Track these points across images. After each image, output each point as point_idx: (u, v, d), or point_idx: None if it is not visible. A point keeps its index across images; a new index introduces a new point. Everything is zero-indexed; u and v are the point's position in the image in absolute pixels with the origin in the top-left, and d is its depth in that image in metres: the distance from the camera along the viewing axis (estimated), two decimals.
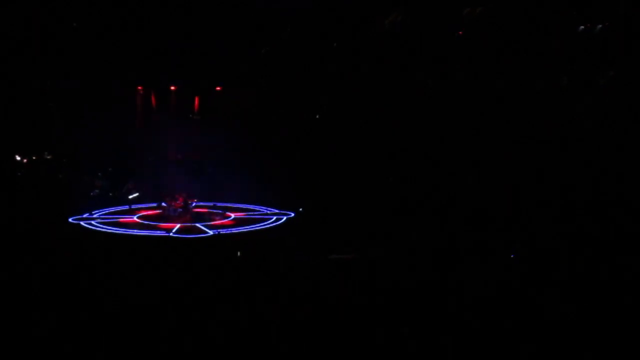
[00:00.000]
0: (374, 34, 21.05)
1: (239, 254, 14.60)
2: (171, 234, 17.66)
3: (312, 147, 23.81)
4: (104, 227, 18.46)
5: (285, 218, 20.08)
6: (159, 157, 25.04)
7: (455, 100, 19.89)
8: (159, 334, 9.19)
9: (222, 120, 25.10)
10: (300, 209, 20.93)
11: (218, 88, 25.76)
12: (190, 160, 25.50)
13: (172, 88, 25.52)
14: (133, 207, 21.71)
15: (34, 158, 23.46)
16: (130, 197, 22.44)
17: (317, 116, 24.23)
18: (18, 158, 23.21)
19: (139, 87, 25.48)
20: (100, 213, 20.93)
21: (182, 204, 20.59)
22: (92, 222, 19.14)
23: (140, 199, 23.12)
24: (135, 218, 20.26)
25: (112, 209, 21.73)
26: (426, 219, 17.25)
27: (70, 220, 19.36)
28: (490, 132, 19.02)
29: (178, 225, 18.75)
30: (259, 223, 19.25)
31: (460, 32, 19.80)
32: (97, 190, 23.96)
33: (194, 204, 21.25)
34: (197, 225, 18.83)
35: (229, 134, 24.44)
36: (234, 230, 18.17)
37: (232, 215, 20.71)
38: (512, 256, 13.44)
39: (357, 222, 17.88)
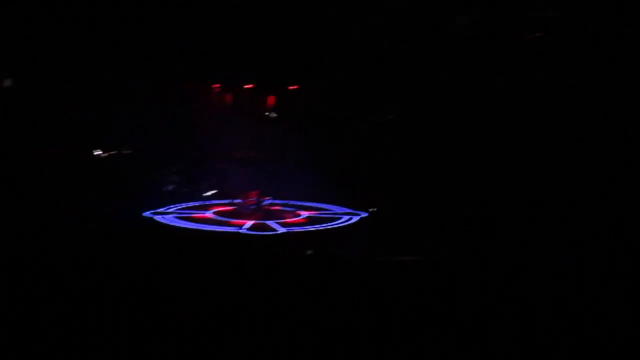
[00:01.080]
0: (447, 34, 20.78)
1: (308, 252, 14.23)
2: (242, 230, 17.48)
3: (386, 148, 23.24)
4: (178, 221, 18.47)
5: (356, 218, 19.61)
6: (230, 156, 25.30)
7: (530, 103, 19.43)
8: (229, 329, 9.09)
9: (295, 119, 24.91)
10: (372, 209, 20.39)
11: (292, 87, 25.83)
12: (260, 158, 25.50)
13: (247, 86, 26.10)
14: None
15: (112, 153, 23.96)
16: (206, 194, 22.36)
17: (392, 117, 24.12)
18: (96, 153, 23.67)
19: (215, 85, 25.98)
20: (175, 208, 20.97)
21: (254, 201, 20.56)
22: (166, 217, 19.12)
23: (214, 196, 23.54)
24: (208, 214, 20.09)
25: (187, 204, 21.72)
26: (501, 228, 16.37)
27: (144, 214, 19.43)
28: (577, 136, 18.36)
29: (250, 222, 18.59)
30: (330, 222, 18.85)
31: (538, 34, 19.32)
32: (170, 187, 24.49)
33: (266, 202, 21.19)
34: (268, 222, 18.61)
35: (301, 132, 24.35)
36: (305, 229, 17.83)
37: (304, 214, 20.47)
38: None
39: (430, 225, 17.42)
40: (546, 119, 19.20)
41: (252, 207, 20.38)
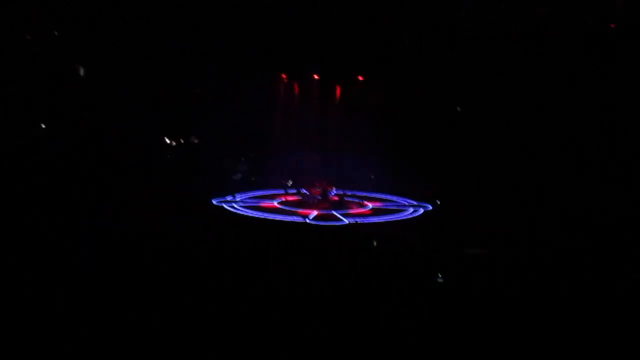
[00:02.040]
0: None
1: (375, 243, 14.40)
2: (308, 220, 17.64)
3: (453, 141, 23.27)
4: (245, 210, 18.71)
5: (422, 210, 19.63)
6: (298, 146, 24.97)
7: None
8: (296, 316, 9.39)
9: (362, 110, 24.72)
10: (438, 202, 20.30)
11: (360, 78, 25.21)
12: (326, 150, 25.36)
13: (315, 77, 25.36)
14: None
15: (181, 141, 24.12)
16: (289, 183, 22.36)
17: (459, 109, 23.94)
18: (167, 141, 24.06)
19: (283, 75, 25.46)
20: (243, 197, 21.04)
21: (320, 191, 20.62)
22: (234, 205, 19.34)
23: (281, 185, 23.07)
24: (275, 203, 20.26)
25: (255, 194, 21.81)
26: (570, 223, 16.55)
27: (214, 202, 19.67)
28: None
29: (315, 212, 18.67)
30: (395, 214, 18.95)
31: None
32: (238, 175, 24.19)
33: (332, 192, 21.14)
34: (334, 212, 18.66)
35: (368, 124, 24.12)
36: (371, 220, 17.93)
37: (369, 205, 20.44)
38: None
39: (495, 219, 17.32)
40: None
41: (318, 197, 20.45)
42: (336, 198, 21.02)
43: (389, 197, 21.86)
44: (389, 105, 24.62)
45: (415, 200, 20.92)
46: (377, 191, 22.47)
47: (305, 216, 18.07)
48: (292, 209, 19.23)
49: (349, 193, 21.78)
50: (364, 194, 22.07)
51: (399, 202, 21.06)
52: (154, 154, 22.37)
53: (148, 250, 12.96)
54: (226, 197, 20.46)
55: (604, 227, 15.71)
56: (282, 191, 22.06)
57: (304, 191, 21.16)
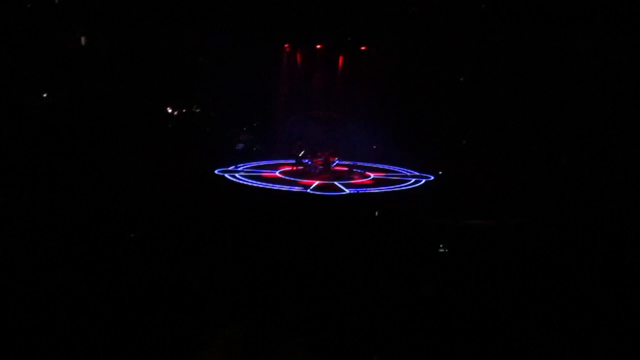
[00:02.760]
0: None
1: (376, 213, 14.03)
2: (309, 190, 17.55)
3: (459, 110, 23.29)
4: (247, 180, 18.66)
5: (423, 180, 19.54)
6: (301, 115, 24.93)
7: None
8: (297, 288, 9.11)
9: (366, 80, 24.86)
10: (440, 172, 20.26)
11: (363, 48, 25.22)
12: (330, 118, 25.23)
13: (318, 47, 25.29)
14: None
15: (184, 111, 24.40)
16: (300, 154, 21.53)
17: (462, 79, 24.03)
18: (169, 110, 24.25)
19: (286, 45, 25.48)
20: (245, 167, 21.13)
21: (322, 161, 20.56)
22: (236, 175, 19.32)
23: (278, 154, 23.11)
24: (277, 173, 20.28)
25: (258, 163, 21.89)
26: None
27: (216, 172, 19.70)
28: None
29: (317, 182, 18.62)
30: (397, 184, 18.79)
31: None
32: (241, 145, 24.38)
33: (335, 163, 21.16)
34: (336, 183, 18.66)
35: (372, 94, 24.33)
36: (373, 190, 17.85)
37: (371, 175, 20.47)
38: None
39: (499, 191, 17.24)
40: None
41: (320, 167, 20.44)
42: (340, 168, 20.94)
43: (392, 168, 21.83)
44: (395, 76, 24.28)
45: (418, 171, 20.90)
46: (381, 162, 22.49)
47: (307, 186, 17.99)
48: (294, 179, 19.23)
49: (358, 164, 21.75)
50: (367, 165, 22.03)
51: (402, 173, 21.04)
52: (156, 123, 22.92)
53: (148, 220, 12.79)
54: (228, 167, 20.49)
55: (611, 202, 15.52)
56: (285, 161, 21.95)
57: (307, 161, 21.12)
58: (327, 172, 20.20)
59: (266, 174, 20.02)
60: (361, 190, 17.73)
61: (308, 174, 20.31)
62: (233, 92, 23.26)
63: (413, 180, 19.56)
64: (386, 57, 24.48)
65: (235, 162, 21.43)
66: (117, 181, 16.40)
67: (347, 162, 21.60)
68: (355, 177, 19.98)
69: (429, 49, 23.38)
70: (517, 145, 21.42)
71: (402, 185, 18.78)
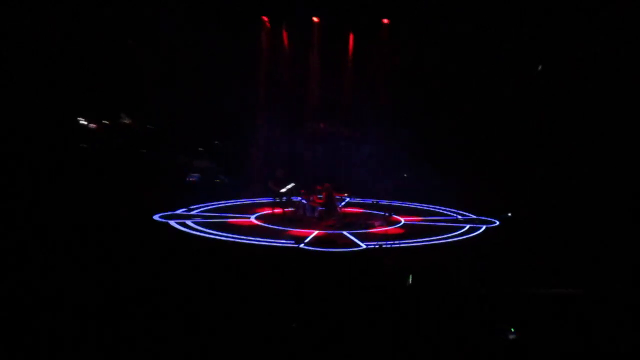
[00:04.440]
0: None
1: (409, 281, 13.06)
2: (303, 245, 16.75)
3: (538, 119, 24.15)
4: (204, 231, 18.08)
5: (483, 227, 19.43)
6: (287, 128, 25.83)
7: None
8: None
9: (386, 75, 25.67)
10: (509, 214, 20.53)
11: (386, 21, 25.30)
12: (337, 134, 26.19)
13: (315, 20, 25.40)
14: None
15: (106, 123, 24.31)
16: (284, 189, 21.76)
17: (539, 68, 24.64)
18: (84, 122, 24.02)
19: (264, 18, 25.44)
20: (200, 209, 21.14)
21: (324, 199, 20.43)
22: (188, 223, 18.96)
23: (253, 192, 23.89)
24: (251, 218, 20.11)
25: (221, 204, 22.28)
26: None
27: (156, 217, 19.39)
28: None
29: (315, 232, 18.16)
30: (443, 234, 18.34)
31: None
32: (196, 175, 24.30)
33: (343, 202, 21.46)
34: (345, 233, 18.19)
35: (395, 95, 25.13)
36: (403, 244, 17.11)
37: (402, 220, 20.30)
38: None
39: (584, 243, 17.16)
40: None
41: (321, 209, 20.34)
42: (350, 210, 21.43)
43: (433, 208, 22.49)
44: (432, 67, 24.78)
45: (472, 213, 21.44)
46: (414, 200, 23.13)
47: (299, 239, 17.21)
48: (279, 228, 18.81)
49: (369, 202, 22.24)
50: (391, 203, 22.81)
51: (451, 216, 21.40)
52: (61, 143, 22.47)
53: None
54: (175, 211, 20.44)
55: None
56: (264, 199, 22.22)
57: (300, 200, 20.99)
58: (331, 217, 19.89)
59: (235, 220, 19.76)
60: (388, 244, 16.88)
61: (301, 219, 20.15)
62: (184, 93, 23.25)
63: (467, 227, 19.31)
64: (420, 38, 24.47)
65: (188, 203, 21.03)
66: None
67: (362, 201, 21.46)
68: (376, 223, 19.67)
69: (487, 25, 23.79)
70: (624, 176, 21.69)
71: (450, 235, 18.34)
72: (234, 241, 17.24)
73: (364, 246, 16.97)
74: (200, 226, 18.67)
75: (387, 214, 20.87)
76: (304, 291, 12.95)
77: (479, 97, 24.99)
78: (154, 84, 23.51)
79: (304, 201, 20.99)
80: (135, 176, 22.77)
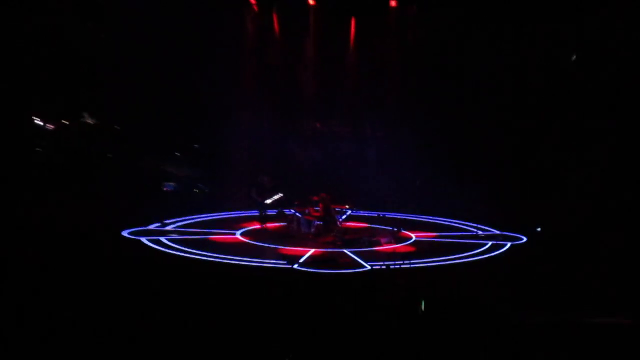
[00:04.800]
0: None
1: (422, 307, 13.25)
2: (296, 265, 16.77)
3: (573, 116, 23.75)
4: (181, 249, 18.05)
5: (508, 245, 19.29)
6: (277, 127, 26.11)
7: None
8: None
9: (394, 65, 25.70)
10: (538, 229, 20.61)
11: (393, 3, 25.22)
12: (337, 135, 26.31)
13: (311, 2, 25.71)
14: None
15: (65, 123, 24.22)
16: (269, 200, 21.83)
17: (573, 58, 24.58)
18: (39, 123, 23.78)
19: (251, 1, 25.63)
20: (177, 224, 21.31)
21: (321, 212, 20.50)
22: (162, 240, 18.93)
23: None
24: (237, 235, 20.19)
25: (201, 218, 22.46)
26: None
27: (125, 234, 19.36)
28: None
29: (311, 251, 18.12)
30: (460, 253, 18.25)
31: None
32: (171, 185, 24.46)
33: (344, 215, 21.75)
34: (347, 252, 18.16)
35: (404, 88, 25.34)
36: (414, 264, 16.91)
37: (412, 237, 20.31)
38: None
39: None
40: None
41: (317, 223, 20.40)
42: (353, 224, 21.67)
43: (448, 222, 22.94)
44: (449, 57, 24.90)
45: (494, 227, 21.54)
46: (427, 213, 23.50)
47: (292, 259, 17.15)
48: (268, 246, 18.87)
49: (377, 215, 22.25)
50: (402, 217, 22.90)
51: (470, 232, 21.57)
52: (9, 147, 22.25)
53: None
54: (150, 226, 20.60)
55: None
56: (252, 212, 22.32)
57: (293, 213, 21.09)
58: (330, 233, 19.96)
59: (217, 237, 19.77)
60: (395, 265, 16.69)
61: (295, 236, 20.21)
62: (156, 88, 23.19)
63: (489, 243, 19.24)
64: (435, 23, 24.57)
65: (161, 217, 21.15)
66: None
67: (366, 214, 21.88)
68: (383, 240, 19.68)
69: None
70: None
71: (470, 253, 18.22)
72: (215, 261, 17.13)
73: (369, 267, 16.84)
74: (177, 244, 18.55)
75: (395, 229, 20.77)
76: (297, 321, 12.84)
77: (506, 90, 25.02)
78: (121, 77, 23.50)
79: (298, 214, 20.89)
80: (99, 185, 22.80)
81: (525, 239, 20.01)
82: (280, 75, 26.12)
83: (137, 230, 19.81)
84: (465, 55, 24.90)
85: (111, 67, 23.62)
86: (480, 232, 21.18)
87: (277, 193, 21.83)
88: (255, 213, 21.73)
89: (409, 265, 16.84)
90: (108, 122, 24.84)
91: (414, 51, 25.38)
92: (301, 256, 17.66)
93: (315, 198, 20.86)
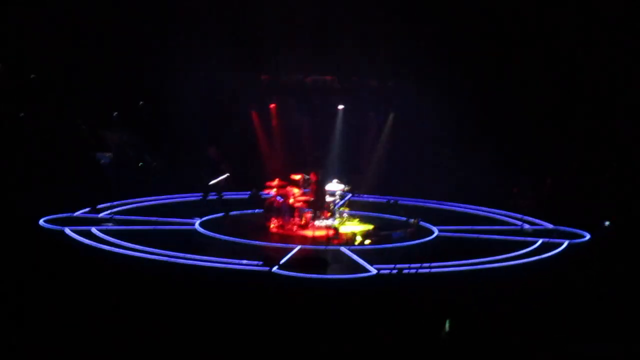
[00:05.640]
0: None
1: (446, 327, 13.39)
2: (276, 268, 17.07)
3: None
4: (118, 244, 18.24)
5: (565, 243, 19.77)
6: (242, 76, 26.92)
7: None
8: None
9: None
10: (606, 224, 20.93)
11: None
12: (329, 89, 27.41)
13: None
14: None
15: None
16: (214, 181, 22.54)
17: None
18: None
19: None
20: (114, 210, 21.64)
21: (312, 195, 21.23)
22: (94, 230, 19.35)
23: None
24: (197, 224, 20.72)
25: (148, 201, 23.06)
26: None
27: (42, 223, 19.70)
28: None
29: (297, 247, 18.68)
30: (499, 254, 18.47)
31: None
32: (108, 155, 24.81)
33: (342, 200, 22.34)
34: (344, 249, 18.71)
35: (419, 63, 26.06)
36: (435, 268, 17.43)
37: (435, 231, 21.02)
38: None
39: None
40: None
41: (307, 210, 21.01)
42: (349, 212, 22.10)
43: (483, 211, 23.81)
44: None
45: (547, 220, 22.18)
46: (451, 199, 24.66)
47: (270, 259, 17.29)
48: (239, 241, 19.31)
49: (384, 200, 23.09)
50: (421, 204, 23.99)
51: (516, 225, 22.04)
52: None
53: None
54: (77, 212, 21.08)
55: None
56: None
57: (267, 195, 21.93)
58: (317, 222, 20.80)
59: (169, 226, 20.33)
60: (409, 270, 17.16)
61: (276, 224, 20.90)
62: (87, 44, 24.56)
63: (539, 242, 19.70)
64: None
65: (94, 200, 21.63)
66: None
67: (373, 199, 22.92)
68: (403, 234, 20.43)
69: None
70: None
71: (511, 255, 18.55)
72: (166, 261, 17.33)
73: (375, 271, 17.08)
74: (113, 237, 18.77)
75: (412, 220, 21.21)
76: (276, 343, 13.04)
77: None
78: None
79: (279, 198, 21.26)
80: (9, 156, 23.24)
81: (588, 236, 20.29)
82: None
83: (59, 217, 20.00)
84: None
85: None
86: (527, 226, 21.48)
87: (223, 172, 21.98)
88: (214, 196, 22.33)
89: (428, 270, 17.13)
90: (19, 69, 24.85)
91: None
92: (282, 256, 17.70)
93: (300, 177, 21.30)
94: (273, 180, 21.64)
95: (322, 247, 19.02)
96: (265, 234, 19.97)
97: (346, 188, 22.65)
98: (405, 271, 16.91)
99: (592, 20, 26.43)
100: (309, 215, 20.73)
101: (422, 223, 21.42)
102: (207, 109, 26.57)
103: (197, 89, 26.21)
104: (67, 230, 18.78)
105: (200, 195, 22.49)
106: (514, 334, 13.42)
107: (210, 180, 21.61)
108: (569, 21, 26.62)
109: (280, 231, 20.52)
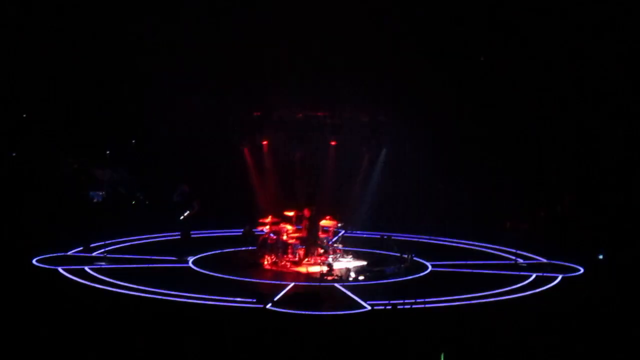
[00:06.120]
0: None
1: None
2: (270, 305, 17.08)
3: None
4: (112, 282, 18.26)
5: (559, 277, 19.87)
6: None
7: None
8: None
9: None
10: (600, 256, 21.31)
11: None
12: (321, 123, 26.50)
13: None
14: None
15: None
16: (183, 215, 22.36)
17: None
18: None
19: None
20: (107, 248, 21.42)
21: (305, 230, 21.18)
22: (86, 269, 19.28)
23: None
24: (190, 263, 20.73)
25: (141, 239, 22.83)
26: None
27: (35, 262, 19.65)
28: None
29: (290, 285, 18.69)
30: (493, 289, 18.50)
31: None
32: (100, 193, 24.12)
33: (336, 236, 22.13)
34: (338, 286, 18.78)
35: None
36: (430, 304, 17.38)
37: (429, 267, 21.08)
38: None
39: None
40: None
41: (300, 246, 20.96)
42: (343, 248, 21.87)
43: (481, 246, 23.55)
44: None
45: (539, 254, 22.09)
46: (443, 233, 24.31)
47: (264, 296, 17.44)
48: (233, 279, 19.37)
49: (384, 236, 22.66)
50: (419, 239, 23.78)
51: (503, 259, 22.13)
52: None
53: None
54: (70, 251, 20.87)
55: None
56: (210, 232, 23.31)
57: (269, 234, 21.58)
58: (311, 258, 20.71)
59: (163, 265, 20.22)
60: (404, 306, 16.91)
61: (268, 264, 20.81)
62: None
63: (532, 276, 19.78)
64: None
65: (87, 238, 21.40)
66: None
67: (368, 235, 22.57)
68: (388, 270, 20.29)
69: None
70: None
71: (508, 290, 18.59)
72: (160, 299, 17.41)
73: (368, 307, 17.15)
74: (106, 275, 18.74)
75: (406, 255, 21.16)
76: None
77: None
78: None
79: (272, 235, 21.24)
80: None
81: (582, 270, 20.32)
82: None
83: (53, 256, 19.98)
84: None
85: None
86: (521, 261, 21.46)
87: (190, 207, 22.13)
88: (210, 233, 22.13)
89: (422, 306, 17.03)
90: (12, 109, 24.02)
91: None
92: (276, 292, 17.83)
93: (292, 213, 21.30)
94: (266, 217, 21.65)
95: (316, 284, 18.91)
96: (258, 270, 19.96)
97: (339, 224, 22.37)
98: (400, 307, 16.74)
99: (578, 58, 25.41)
100: (302, 251, 20.66)
101: (415, 258, 21.33)
102: (190, 145, 25.59)
103: (184, 124, 25.21)
104: (60, 270, 18.74)
105: (179, 234, 21.85)
106: None
107: (180, 216, 21.41)
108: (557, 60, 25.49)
109: (274, 268, 20.46)
